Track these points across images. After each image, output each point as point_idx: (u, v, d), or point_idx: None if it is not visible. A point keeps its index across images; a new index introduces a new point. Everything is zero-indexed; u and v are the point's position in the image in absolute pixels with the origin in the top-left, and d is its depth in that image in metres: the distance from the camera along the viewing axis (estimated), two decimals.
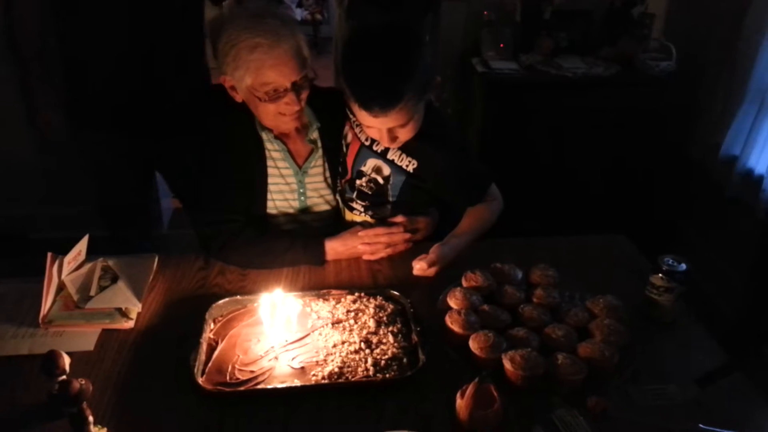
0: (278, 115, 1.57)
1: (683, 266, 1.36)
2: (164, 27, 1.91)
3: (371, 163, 1.66)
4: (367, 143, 1.65)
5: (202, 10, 2.06)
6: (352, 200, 1.72)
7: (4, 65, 2.73)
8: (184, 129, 2.10)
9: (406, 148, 1.61)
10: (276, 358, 1.26)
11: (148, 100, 1.97)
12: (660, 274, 1.36)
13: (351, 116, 1.67)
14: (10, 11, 1.88)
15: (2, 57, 2.70)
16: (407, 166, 1.63)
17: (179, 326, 1.37)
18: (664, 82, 2.93)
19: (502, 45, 3.06)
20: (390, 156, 1.64)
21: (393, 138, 1.52)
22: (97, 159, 2.06)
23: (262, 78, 1.50)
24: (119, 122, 1.98)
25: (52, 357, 1.07)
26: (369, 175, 1.67)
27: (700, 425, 1.12)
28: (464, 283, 1.46)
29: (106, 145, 2.01)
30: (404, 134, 1.53)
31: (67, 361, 1.08)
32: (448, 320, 1.32)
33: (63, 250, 1.47)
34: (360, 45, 1.49)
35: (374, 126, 1.50)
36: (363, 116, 1.48)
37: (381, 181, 1.66)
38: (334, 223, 1.79)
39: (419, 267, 1.54)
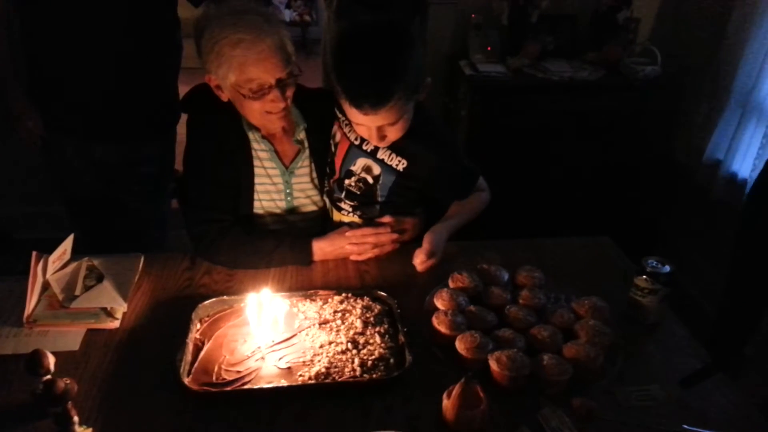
0: (265, 113, 1.57)
1: (667, 268, 1.38)
2: (138, 30, 1.89)
3: (361, 162, 1.66)
4: (357, 142, 1.65)
5: (176, 12, 2.04)
6: (340, 200, 1.72)
7: None
8: (161, 131, 2.09)
9: (395, 148, 1.62)
10: (263, 358, 1.26)
11: (122, 104, 1.94)
12: (644, 276, 1.38)
13: (340, 115, 1.67)
14: None
15: None
16: (397, 165, 1.64)
17: (165, 326, 1.37)
18: (649, 86, 2.95)
19: (489, 48, 3.07)
20: (380, 155, 1.64)
21: (382, 137, 1.53)
22: (69, 163, 2.01)
23: (245, 74, 1.49)
24: (92, 128, 1.95)
25: (37, 356, 1.06)
26: (358, 175, 1.67)
27: (684, 426, 1.13)
28: (451, 284, 1.47)
29: (78, 150, 1.98)
30: (393, 133, 1.53)
31: (51, 360, 1.07)
32: (434, 321, 1.33)
33: (48, 249, 1.45)
34: (351, 42, 1.49)
35: (364, 124, 1.50)
36: (353, 114, 1.48)
37: (371, 180, 1.66)
38: (321, 224, 1.79)
39: (419, 261, 1.57)
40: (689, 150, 2.90)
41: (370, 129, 1.51)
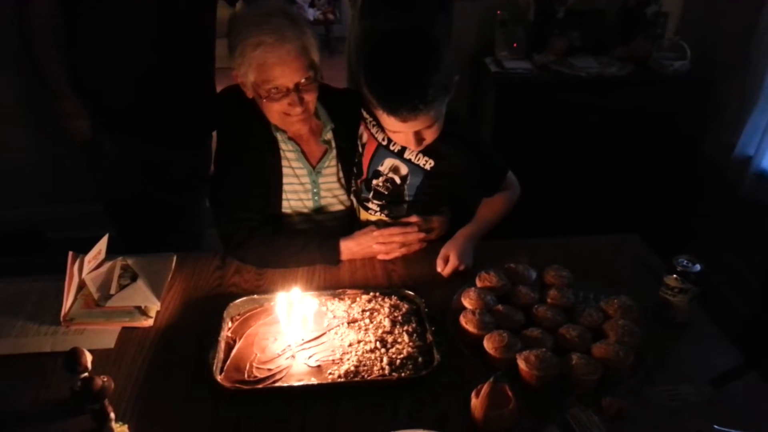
0: (283, 115, 1.59)
1: (698, 267, 1.36)
2: (176, 28, 1.92)
3: (388, 162, 1.67)
4: (384, 143, 1.66)
5: (215, 12, 2.06)
6: (367, 200, 1.73)
7: (10, 76, 2.79)
8: (197, 131, 2.12)
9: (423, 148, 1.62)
10: (293, 356, 1.28)
11: (162, 105, 1.98)
12: (674, 275, 1.36)
13: (367, 116, 1.69)
14: (25, 23, 1.89)
15: (6, 66, 2.77)
16: (425, 164, 1.64)
17: (198, 324, 1.39)
18: (678, 81, 2.92)
19: (515, 44, 3.06)
20: (407, 155, 1.65)
21: (420, 140, 1.54)
22: (110, 162, 2.05)
23: (263, 75, 1.51)
24: (133, 128, 1.98)
25: (75, 354, 1.08)
26: (386, 175, 1.68)
27: (715, 426, 1.12)
28: (478, 283, 1.47)
29: (118, 149, 2.02)
30: (430, 135, 1.55)
31: (89, 358, 1.09)
32: (462, 320, 1.33)
33: (81, 248, 1.49)
34: (382, 50, 1.50)
35: (401, 131, 1.51)
36: (390, 122, 1.49)
37: (398, 180, 1.67)
38: (348, 223, 1.81)
39: (440, 268, 1.58)
40: (719, 146, 2.86)
41: (408, 134, 1.52)
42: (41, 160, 3.11)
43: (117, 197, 2.12)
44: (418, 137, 1.53)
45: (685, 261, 1.37)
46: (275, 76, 1.51)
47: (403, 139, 1.56)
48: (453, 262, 1.56)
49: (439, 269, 1.58)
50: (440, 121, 1.54)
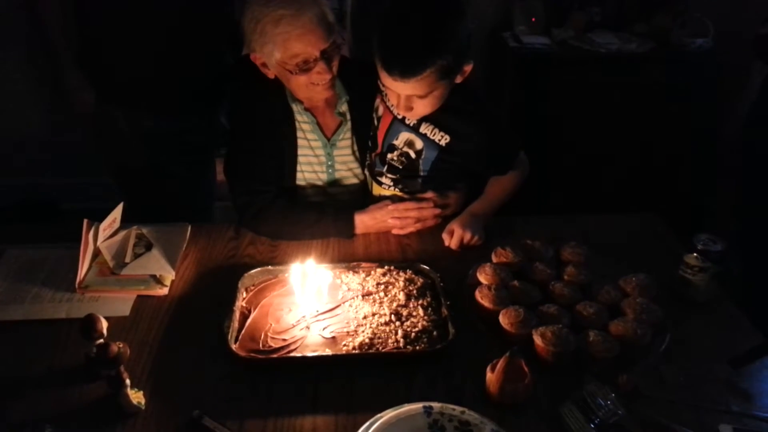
0: (311, 85, 1.57)
1: (718, 246, 1.34)
2: (189, 4, 1.89)
3: (404, 136, 1.65)
4: (400, 117, 1.64)
5: None
6: (381, 174, 1.71)
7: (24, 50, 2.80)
8: (209, 103, 2.10)
9: (438, 123, 1.60)
10: (308, 327, 1.28)
11: (173, 76, 1.95)
12: (695, 254, 1.35)
13: (383, 88, 1.66)
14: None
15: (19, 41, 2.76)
16: (440, 140, 1.62)
17: (212, 294, 1.39)
18: (700, 59, 2.87)
19: (534, 19, 3.01)
20: (423, 130, 1.63)
21: (408, 107, 1.51)
22: (120, 133, 2.04)
23: (290, 50, 1.49)
24: (144, 99, 1.97)
25: (91, 320, 1.09)
26: (401, 149, 1.66)
27: (732, 406, 1.11)
28: (494, 259, 1.46)
29: (128, 120, 2.01)
30: (420, 107, 1.51)
31: (104, 324, 1.10)
32: (478, 295, 1.33)
33: (93, 219, 1.47)
34: (402, 6, 1.45)
35: (392, 89, 1.49)
36: (383, 76, 1.46)
37: (413, 155, 1.65)
38: (362, 197, 1.80)
39: (448, 243, 1.58)
40: (741, 126, 2.80)
41: (399, 97, 1.49)
42: (54, 132, 3.11)
43: (127, 170, 2.12)
44: (408, 104, 1.50)
45: (706, 239, 1.36)
46: (301, 47, 1.49)
47: (393, 98, 1.53)
48: (458, 233, 1.57)
49: (446, 243, 1.58)
50: (436, 97, 1.49)
